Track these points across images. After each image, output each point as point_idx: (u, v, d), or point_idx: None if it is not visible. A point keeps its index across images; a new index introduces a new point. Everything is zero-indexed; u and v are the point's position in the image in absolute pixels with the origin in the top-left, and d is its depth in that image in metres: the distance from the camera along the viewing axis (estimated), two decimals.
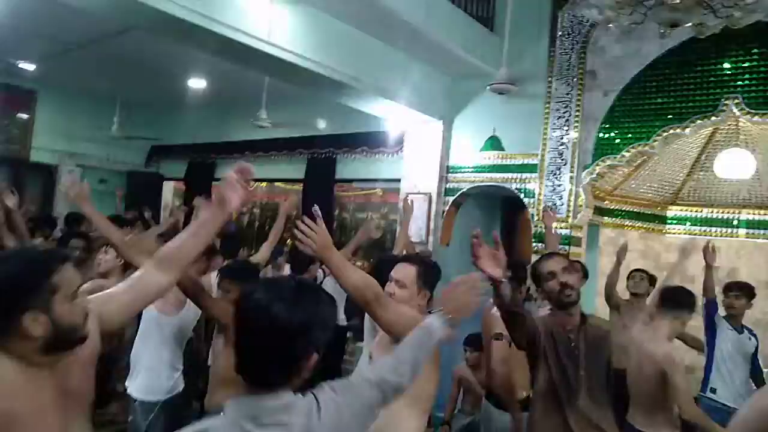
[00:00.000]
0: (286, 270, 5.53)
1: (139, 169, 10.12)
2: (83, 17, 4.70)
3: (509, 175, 5.74)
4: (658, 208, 6.05)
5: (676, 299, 3.35)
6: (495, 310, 3.45)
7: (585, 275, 4.66)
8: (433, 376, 2.18)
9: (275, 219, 5.06)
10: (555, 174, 5.39)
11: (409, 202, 4.59)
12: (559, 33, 5.36)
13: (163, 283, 1.75)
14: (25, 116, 8.81)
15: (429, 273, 2.42)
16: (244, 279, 2.89)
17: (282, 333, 1.20)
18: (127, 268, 3.79)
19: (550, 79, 5.41)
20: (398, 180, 6.56)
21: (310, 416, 1.24)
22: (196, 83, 7.57)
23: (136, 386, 3.24)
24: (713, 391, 4.24)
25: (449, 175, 6.16)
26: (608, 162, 5.13)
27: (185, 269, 1.96)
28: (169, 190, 10.58)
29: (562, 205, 5.34)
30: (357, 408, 1.35)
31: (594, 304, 5.27)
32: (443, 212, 6.16)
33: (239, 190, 1.84)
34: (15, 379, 1.34)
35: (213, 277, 4.56)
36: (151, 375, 3.24)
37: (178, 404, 3.31)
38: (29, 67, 7.54)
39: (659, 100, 4.89)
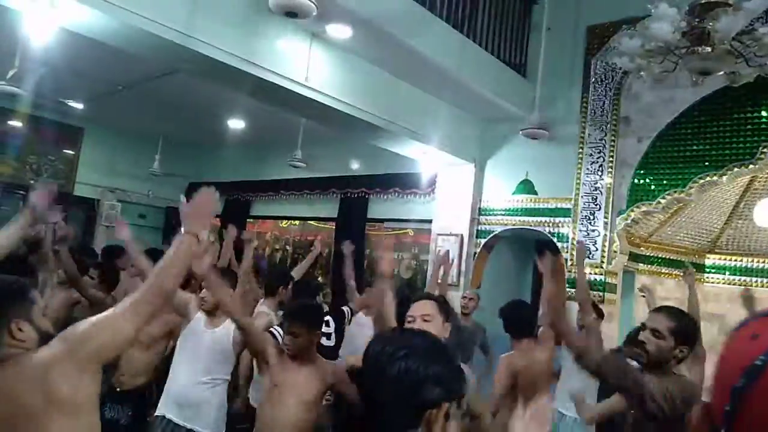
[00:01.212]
0: None
1: (177, 205, 10.34)
2: (130, 60, 4.93)
3: (542, 218, 5.72)
4: (696, 256, 5.92)
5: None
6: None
7: (600, 315, 4.45)
8: None
9: (306, 257, 5.17)
10: (589, 219, 5.34)
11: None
12: (593, 80, 5.40)
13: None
14: (71, 152, 9.18)
15: (445, 306, 2.45)
16: (310, 321, 2.87)
17: (410, 382, 1.19)
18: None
19: (583, 124, 5.42)
20: (430, 221, 6.59)
21: None
22: (235, 124, 7.79)
23: (209, 422, 3.19)
24: None
25: (481, 217, 6.16)
26: (643, 208, 5.07)
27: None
28: None
29: (596, 250, 5.27)
30: None
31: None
32: (475, 254, 6.14)
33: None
34: None
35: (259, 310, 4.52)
36: (221, 409, 3.27)
37: None
38: (78, 106, 7.90)
39: (695, 147, 4.85)
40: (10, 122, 7.81)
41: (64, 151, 9.14)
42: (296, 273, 4.92)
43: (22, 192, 8.85)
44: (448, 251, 5.10)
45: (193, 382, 3.23)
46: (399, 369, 1.20)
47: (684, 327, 2.34)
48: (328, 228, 8.81)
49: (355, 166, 8.09)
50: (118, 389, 3.74)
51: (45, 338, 1.67)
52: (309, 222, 9.34)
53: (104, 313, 1.68)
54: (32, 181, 8.81)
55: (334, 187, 8.28)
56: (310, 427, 2.74)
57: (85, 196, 9.28)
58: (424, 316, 2.34)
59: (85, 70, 6.23)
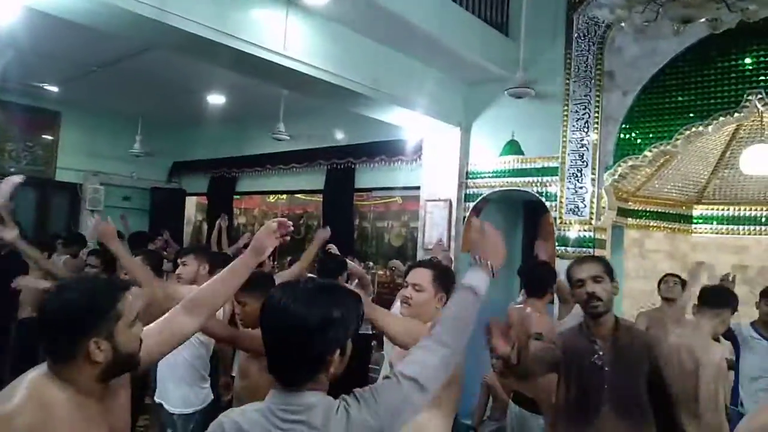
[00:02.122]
0: None
1: (162, 185, 10.26)
2: (104, 39, 4.81)
3: (530, 179, 5.71)
4: (683, 208, 5.95)
5: (716, 298, 3.31)
6: (528, 310, 3.45)
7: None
8: (455, 379, 2.17)
9: (296, 230, 5.15)
10: (576, 176, 5.34)
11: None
12: (575, 35, 5.33)
13: (191, 328, 1.79)
14: (50, 137, 9.01)
15: (444, 276, 2.43)
16: (258, 290, 2.89)
17: (300, 332, 1.24)
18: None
19: (567, 81, 5.37)
20: (417, 187, 6.56)
21: (329, 417, 1.27)
22: (216, 99, 7.67)
23: (173, 400, 3.27)
24: (741, 404, 4.12)
25: (469, 180, 6.15)
26: (630, 162, 5.07)
27: (213, 314, 1.98)
28: (191, 204, 10.71)
29: (585, 207, 5.28)
30: (384, 407, 1.30)
31: (621, 307, 5.19)
32: (464, 218, 6.14)
33: (274, 241, 1.87)
34: (69, 408, 1.38)
35: None
36: (186, 388, 3.29)
37: (210, 413, 3.37)
38: (53, 89, 7.72)
39: (680, 98, 4.83)
40: None
41: (43, 136, 8.96)
42: (303, 262, 4.45)
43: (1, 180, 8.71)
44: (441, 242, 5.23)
45: (164, 361, 3.27)
46: (290, 320, 1.24)
47: (608, 264, 2.52)
48: (316, 200, 8.77)
49: (340, 136, 8.01)
50: None
51: (124, 360, 1.45)
52: (296, 195, 9.30)
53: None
54: (12, 169, 8.67)
55: (319, 158, 8.22)
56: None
57: (67, 181, 9.15)
58: (414, 285, 2.34)
59: (57, 52, 6.07)
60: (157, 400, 3.31)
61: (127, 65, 6.39)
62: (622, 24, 3.55)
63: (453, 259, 5.74)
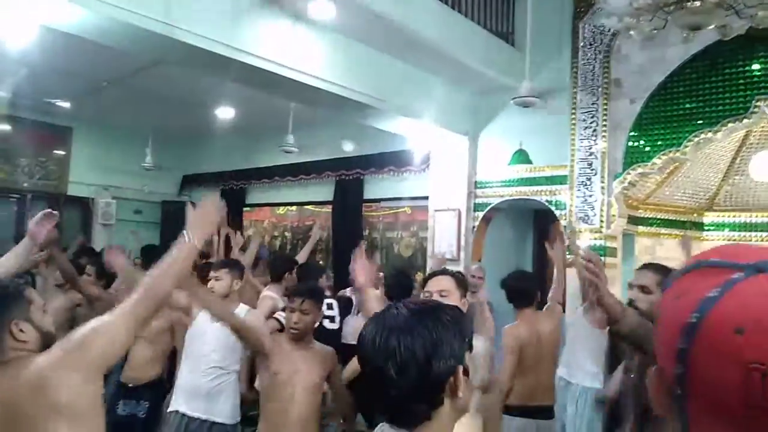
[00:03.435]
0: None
1: (173, 198, 10.32)
2: (114, 55, 4.86)
3: (538, 187, 5.70)
4: (695, 215, 5.91)
5: None
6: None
7: None
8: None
9: (306, 242, 5.20)
10: (585, 184, 5.32)
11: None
12: (581, 43, 5.33)
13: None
14: (62, 152, 9.11)
15: (463, 282, 2.46)
16: (321, 301, 2.91)
17: (409, 363, 1.09)
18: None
19: (574, 89, 5.37)
20: (426, 197, 6.57)
21: None
22: (225, 112, 7.72)
23: (224, 412, 3.27)
24: None
25: (477, 190, 6.14)
26: (639, 170, 5.05)
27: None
28: None
29: (595, 215, 5.26)
30: None
31: None
32: (473, 228, 6.13)
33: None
34: None
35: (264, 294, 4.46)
36: (237, 397, 3.36)
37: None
38: (65, 105, 7.82)
39: (688, 105, 4.81)
40: None
41: (55, 151, 9.07)
42: (299, 258, 4.95)
43: (15, 196, 8.81)
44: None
45: (205, 374, 3.27)
46: (401, 348, 1.09)
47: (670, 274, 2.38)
48: (325, 211, 8.79)
49: (349, 148, 8.04)
50: (131, 385, 3.78)
51: (47, 337, 1.69)
52: (306, 207, 9.32)
53: (102, 319, 1.66)
54: (25, 185, 8.77)
55: (328, 170, 8.25)
56: (316, 410, 2.75)
57: (79, 195, 9.23)
58: (441, 291, 2.34)
59: (68, 68, 6.15)
60: (201, 416, 3.26)
61: (137, 80, 6.47)
62: (631, 32, 3.54)
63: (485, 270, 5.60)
